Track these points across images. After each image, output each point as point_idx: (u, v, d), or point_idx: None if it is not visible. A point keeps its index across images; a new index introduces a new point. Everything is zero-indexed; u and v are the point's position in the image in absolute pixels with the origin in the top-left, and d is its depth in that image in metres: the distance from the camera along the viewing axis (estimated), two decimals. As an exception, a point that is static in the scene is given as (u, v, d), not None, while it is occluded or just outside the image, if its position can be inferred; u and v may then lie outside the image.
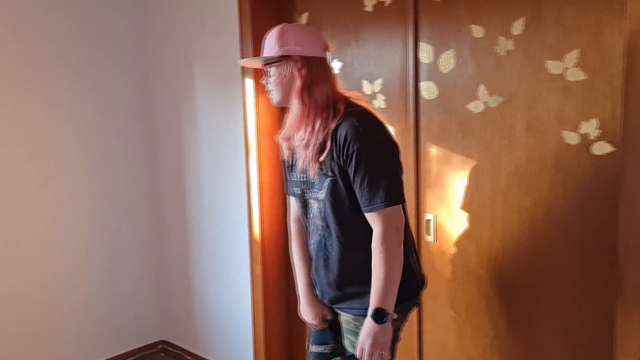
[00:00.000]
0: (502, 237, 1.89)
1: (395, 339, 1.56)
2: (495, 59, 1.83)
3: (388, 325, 1.47)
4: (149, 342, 3.11)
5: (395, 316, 1.50)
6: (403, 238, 1.50)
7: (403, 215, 1.51)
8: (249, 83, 2.45)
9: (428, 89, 2.01)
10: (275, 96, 1.60)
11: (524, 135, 1.80)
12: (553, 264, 1.78)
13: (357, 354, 1.49)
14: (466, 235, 1.97)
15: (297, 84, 1.51)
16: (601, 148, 1.65)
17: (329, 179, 1.50)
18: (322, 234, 1.58)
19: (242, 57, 2.45)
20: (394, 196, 1.45)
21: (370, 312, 1.47)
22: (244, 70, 2.46)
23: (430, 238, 2.07)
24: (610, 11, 1.59)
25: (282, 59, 1.53)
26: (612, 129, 1.62)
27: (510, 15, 1.78)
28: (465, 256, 1.99)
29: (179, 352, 3.03)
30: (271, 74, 1.57)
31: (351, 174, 1.46)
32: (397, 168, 1.52)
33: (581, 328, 1.74)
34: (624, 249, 1.49)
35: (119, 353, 2.98)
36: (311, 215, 1.62)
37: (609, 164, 1.64)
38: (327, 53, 1.58)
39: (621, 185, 1.49)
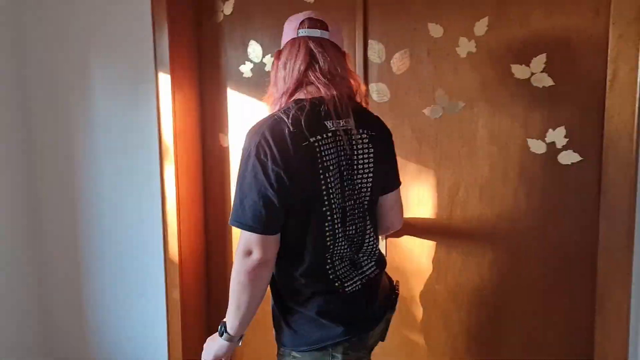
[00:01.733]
0: (461, 251, 1.77)
1: None
2: (455, 61, 1.71)
3: (222, 341, 1.31)
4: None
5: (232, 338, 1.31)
6: (259, 269, 1.21)
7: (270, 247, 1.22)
8: (164, 79, 2.09)
9: (379, 91, 1.83)
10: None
11: (486, 143, 1.70)
12: (518, 278, 1.70)
13: None
14: (421, 250, 1.83)
15: None
16: (568, 157, 1.59)
17: None
18: None
19: (155, 48, 2.09)
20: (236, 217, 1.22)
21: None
22: (158, 63, 2.10)
23: (380, 254, 1.90)
24: (578, 15, 1.53)
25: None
26: (580, 137, 1.57)
27: (472, 15, 1.66)
28: (421, 271, 1.85)
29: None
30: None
31: None
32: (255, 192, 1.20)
33: (551, 346, 1.68)
34: (604, 263, 1.43)
35: (-8, 405, 2.43)
36: None
37: (576, 174, 1.59)
38: None
39: (601, 197, 1.43)
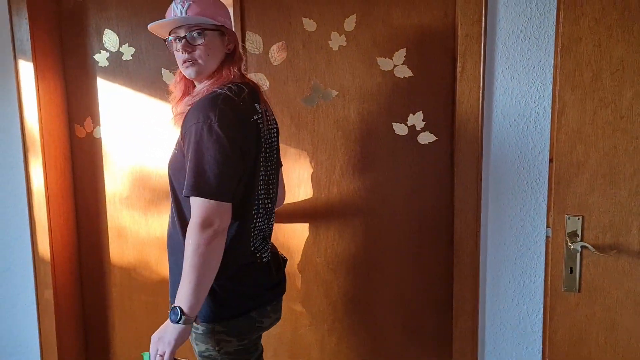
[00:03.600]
0: (339, 224, 1.97)
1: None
2: (328, 54, 1.88)
3: (180, 327, 1.29)
4: None
5: (203, 327, 1.36)
6: (219, 238, 1.28)
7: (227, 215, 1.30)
8: (26, 67, 1.96)
9: (258, 81, 1.94)
10: (199, 69, 1.39)
11: (357, 127, 1.90)
12: (389, 244, 1.94)
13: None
14: (303, 226, 1.99)
15: (225, 58, 1.43)
16: (426, 138, 1.86)
17: None
18: None
19: (13, 33, 1.95)
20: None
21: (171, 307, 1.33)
22: (18, 50, 1.95)
23: (265, 234, 2.02)
24: (430, 15, 1.79)
25: (219, 27, 1.40)
26: (435, 120, 1.84)
27: (341, 12, 1.85)
28: (302, 247, 2.00)
29: None
30: (199, 42, 1.37)
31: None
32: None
33: (415, 298, 1.95)
34: (459, 222, 1.72)
35: None
36: None
37: (432, 151, 1.87)
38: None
39: (454, 169, 1.72)
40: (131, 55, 2.03)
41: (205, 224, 1.24)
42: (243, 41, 1.93)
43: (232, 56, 1.42)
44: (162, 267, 2.12)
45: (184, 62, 1.37)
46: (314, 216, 1.98)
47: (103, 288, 2.20)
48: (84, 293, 2.23)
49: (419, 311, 1.95)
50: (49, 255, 2.05)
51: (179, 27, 1.37)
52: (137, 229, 2.13)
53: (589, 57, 1.49)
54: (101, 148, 2.12)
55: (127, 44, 2.02)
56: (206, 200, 1.25)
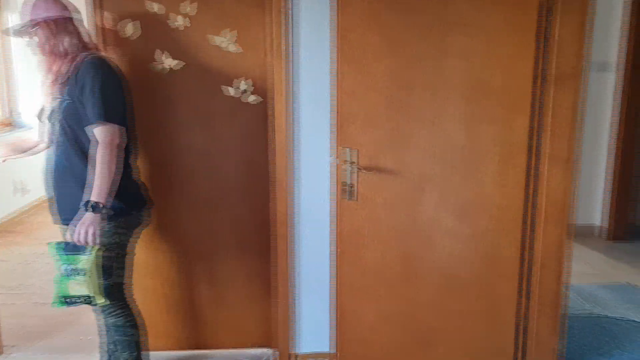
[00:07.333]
0: (189, 164, 2.53)
1: (121, 249, 2.07)
2: (177, 33, 2.40)
3: (96, 215, 1.87)
4: None
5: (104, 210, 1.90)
6: (119, 151, 1.92)
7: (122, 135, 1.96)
8: None
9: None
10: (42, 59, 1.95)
11: (200, 92, 2.46)
12: (224, 185, 2.56)
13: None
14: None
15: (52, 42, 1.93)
16: (253, 99, 2.49)
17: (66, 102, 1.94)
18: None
19: None
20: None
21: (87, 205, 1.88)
22: None
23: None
24: (255, 7, 2.41)
25: (39, 24, 1.92)
26: (260, 85, 2.48)
27: (186, -1, 2.38)
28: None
29: None
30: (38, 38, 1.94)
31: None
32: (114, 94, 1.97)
33: (246, 219, 2.60)
34: (279, 159, 2.39)
35: None
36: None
37: (258, 109, 2.51)
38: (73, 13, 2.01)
39: (274, 122, 2.38)
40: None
41: (111, 143, 1.85)
42: (102, 18, 2.35)
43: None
44: None
45: None
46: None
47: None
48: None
49: (249, 229, 2.61)
50: None
51: None
52: None
53: (357, 41, 2.23)
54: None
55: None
56: (111, 125, 1.88)
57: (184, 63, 2.44)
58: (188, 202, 2.56)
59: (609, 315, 3.14)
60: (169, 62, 2.42)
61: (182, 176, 2.54)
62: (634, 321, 3.05)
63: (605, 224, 4.48)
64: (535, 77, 2.28)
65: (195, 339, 2.69)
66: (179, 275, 2.62)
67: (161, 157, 2.51)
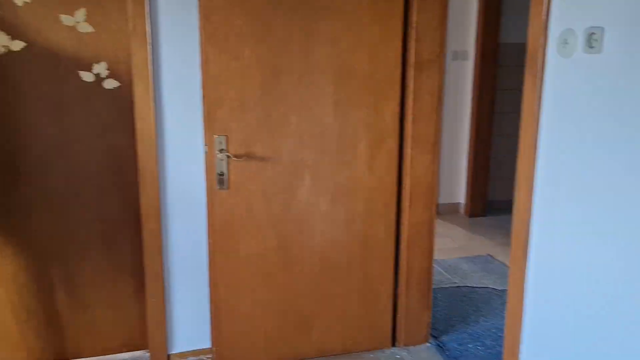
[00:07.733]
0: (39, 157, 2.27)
1: None
2: (15, 9, 2.12)
3: None
4: None
5: None
6: None
7: None
8: None
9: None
10: None
11: (47, 76, 2.21)
12: (84, 177, 2.34)
13: None
14: (2, 166, 2.22)
15: None
16: (111, 84, 2.29)
17: None
18: None
19: None
20: None
21: None
22: None
23: None
24: (107, -17, 2.20)
25: None
26: (118, 69, 2.28)
27: (25, -28, 2.11)
28: (4, 184, 2.24)
29: None
30: None
31: None
32: None
33: (114, 210, 2.40)
34: (141, 150, 2.23)
35: None
36: None
37: (117, 95, 2.31)
38: None
39: (135, 108, 2.20)
40: None
41: None
42: None
43: None
44: None
45: None
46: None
47: None
48: None
49: (117, 225, 2.41)
50: None
51: None
52: None
53: (221, 24, 2.12)
54: None
55: None
56: None
57: (24, 44, 2.16)
58: (39, 199, 2.30)
59: (471, 285, 3.38)
60: (3, 41, 2.14)
61: (30, 171, 2.27)
62: (494, 289, 3.32)
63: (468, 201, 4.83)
64: (403, 63, 2.35)
65: (55, 348, 2.44)
66: (30, 281, 2.35)
67: (1, 151, 2.22)
